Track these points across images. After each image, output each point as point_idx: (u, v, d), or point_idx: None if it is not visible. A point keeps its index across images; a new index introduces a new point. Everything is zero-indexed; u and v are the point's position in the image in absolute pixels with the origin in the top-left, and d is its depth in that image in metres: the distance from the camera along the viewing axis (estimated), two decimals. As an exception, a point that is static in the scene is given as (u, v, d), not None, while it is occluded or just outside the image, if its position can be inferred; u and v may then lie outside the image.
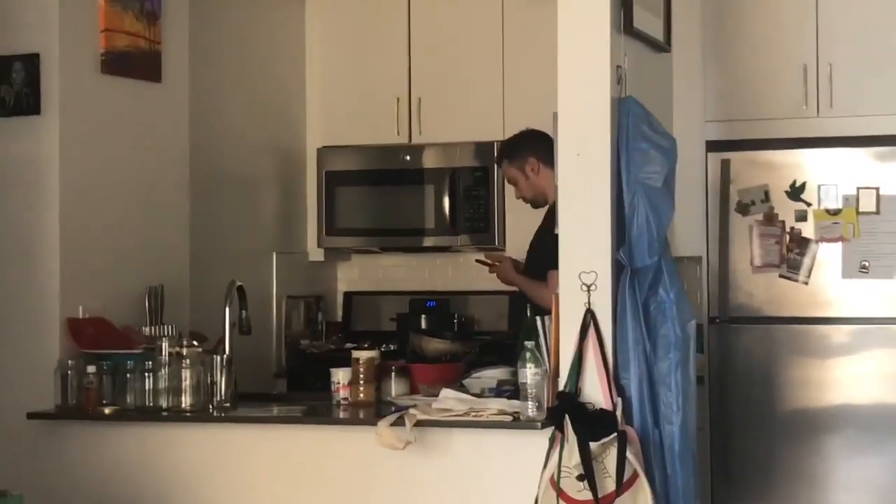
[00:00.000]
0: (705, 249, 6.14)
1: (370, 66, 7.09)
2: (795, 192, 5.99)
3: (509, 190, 6.17)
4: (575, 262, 4.68)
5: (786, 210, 6.01)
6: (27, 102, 5.37)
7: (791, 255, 6.00)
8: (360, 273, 7.44)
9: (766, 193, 6.03)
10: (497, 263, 5.74)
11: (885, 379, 5.90)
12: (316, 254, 7.21)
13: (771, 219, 6.02)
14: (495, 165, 6.26)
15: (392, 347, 6.35)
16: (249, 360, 6.41)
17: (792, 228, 6.00)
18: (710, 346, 6.12)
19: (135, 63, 5.71)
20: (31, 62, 5.36)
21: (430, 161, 6.92)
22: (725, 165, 6.08)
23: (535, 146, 5.63)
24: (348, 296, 7.35)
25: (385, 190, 6.98)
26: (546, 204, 5.64)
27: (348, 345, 6.56)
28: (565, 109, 4.74)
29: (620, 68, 4.79)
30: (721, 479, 6.05)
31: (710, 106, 6.17)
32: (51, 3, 5.36)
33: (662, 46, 5.31)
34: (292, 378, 6.66)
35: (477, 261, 5.88)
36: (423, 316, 6.89)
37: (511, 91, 6.79)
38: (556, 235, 4.77)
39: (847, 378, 5.96)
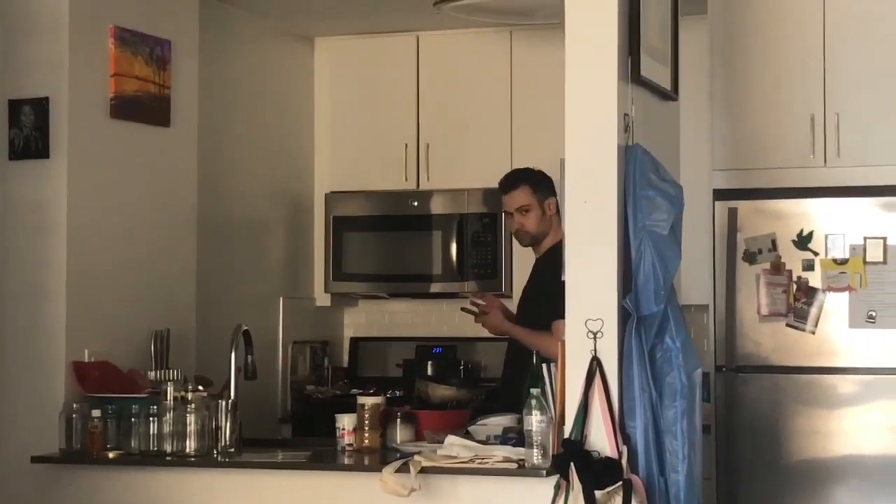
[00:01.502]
0: (712, 298, 6.09)
1: (378, 111, 7.14)
2: (803, 241, 5.97)
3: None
4: (581, 309, 4.67)
5: (793, 259, 5.97)
6: (36, 146, 5.40)
7: (798, 304, 5.97)
8: (366, 318, 7.46)
9: (774, 242, 6.01)
10: (485, 312, 5.65)
11: (892, 430, 5.85)
12: (323, 299, 7.23)
13: (778, 268, 5.99)
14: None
15: (398, 393, 6.36)
16: (255, 405, 6.41)
17: (799, 278, 5.97)
18: (716, 395, 6.08)
19: (144, 108, 5.75)
20: (41, 106, 5.39)
21: (437, 207, 6.95)
22: (733, 214, 6.06)
23: (556, 190, 5.64)
24: (355, 341, 7.37)
25: (392, 236, 7.01)
26: (536, 244, 5.70)
27: (354, 390, 6.54)
28: (573, 157, 4.74)
29: (628, 116, 4.80)
30: (730, 528, 6.02)
31: (717, 154, 6.15)
32: (61, 48, 5.41)
33: (670, 95, 5.31)
34: (297, 423, 6.67)
35: (463, 309, 5.77)
36: (430, 362, 6.92)
37: (519, 137, 6.84)
38: (562, 284, 4.77)
39: (854, 428, 5.91)
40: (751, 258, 6.04)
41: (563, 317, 4.71)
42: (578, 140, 4.74)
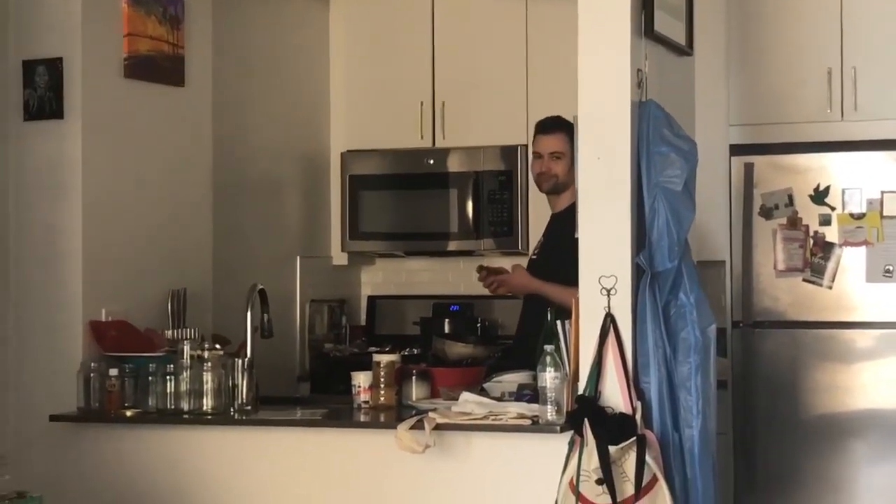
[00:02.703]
0: (729, 253, 6.13)
1: (394, 69, 7.12)
2: (819, 196, 5.99)
3: (534, 194, 6.19)
4: (595, 266, 4.69)
5: (809, 214, 6.00)
6: (50, 106, 5.39)
7: (815, 259, 5.99)
8: (383, 277, 7.46)
9: (790, 197, 6.02)
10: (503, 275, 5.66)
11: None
12: (340, 258, 7.24)
13: (795, 223, 6.01)
14: (519, 166, 6.19)
15: (415, 351, 6.38)
16: (273, 364, 6.44)
17: (816, 233, 5.99)
18: (733, 351, 6.11)
19: (158, 67, 5.74)
20: (55, 66, 5.39)
21: (454, 165, 6.94)
22: (749, 169, 6.08)
23: None
24: (372, 300, 7.37)
25: (409, 194, 7.01)
26: (556, 193, 5.70)
27: (371, 349, 6.59)
28: (586, 113, 4.75)
29: (641, 72, 4.80)
30: (744, 484, 6.04)
31: (733, 110, 6.17)
32: (74, 8, 5.39)
33: (684, 50, 5.31)
34: (316, 381, 6.69)
35: (481, 270, 5.76)
36: (447, 320, 6.89)
37: (535, 94, 6.81)
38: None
39: (872, 382, 5.95)
40: (767, 213, 6.06)
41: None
42: (591, 96, 4.74)
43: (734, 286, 6.12)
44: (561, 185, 5.68)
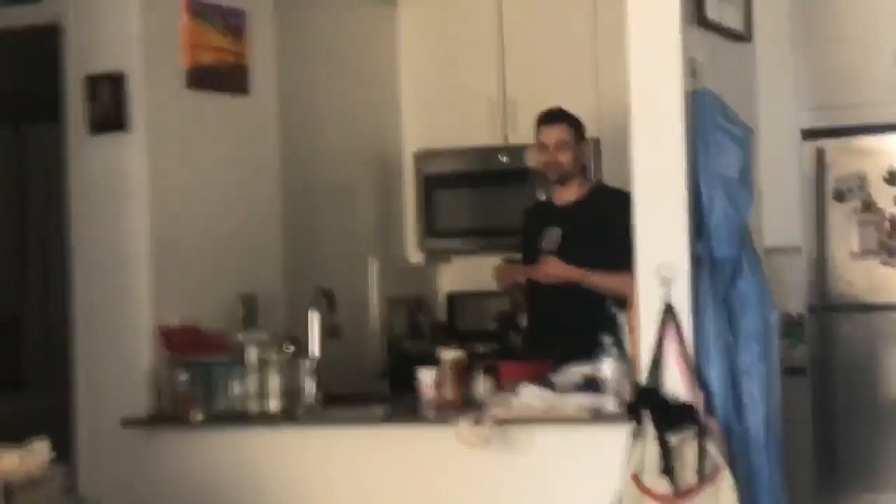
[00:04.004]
0: (802, 239, 6.07)
1: (463, 67, 7.15)
2: (893, 177, 5.92)
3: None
4: (652, 256, 4.68)
5: (884, 197, 5.94)
6: (114, 119, 5.44)
7: (891, 241, 5.93)
8: (461, 274, 7.45)
9: (863, 180, 5.97)
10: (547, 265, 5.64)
11: None
12: (416, 256, 7.27)
13: (869, 206, 5.96)
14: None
15: (495, 346, 6.40)
16: (352, 362, 6.54)
17: (892, 215, 5.93)
18: (810, 336, 6.06)
19: (221, 77, 5.80)
20: (117, 80, 5.44)
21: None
22: (821, 153, 6.03)
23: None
24: (451, 297, 7.39)
25: (483, 191, 7.02)
26: (562, 183, 5.73)
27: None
28: (638, 104, 4.75)
29: (694, 60, 4.80)
30: (825, 471, 5.99)
31: (801, 93, 6.11)
32: (134, 23, 5.45)
33: (742, 36, 5.30)
34: (395, 378, 6.68)
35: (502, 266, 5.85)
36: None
37: (605, 88, 6.77)
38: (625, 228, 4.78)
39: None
40: (840, 197, 6.02)
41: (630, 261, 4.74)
42: (643, 87, 4.75)
43: (809, 271, 6.07)
44: (567, 175, 5.71)
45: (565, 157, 5.69)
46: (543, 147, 5.73)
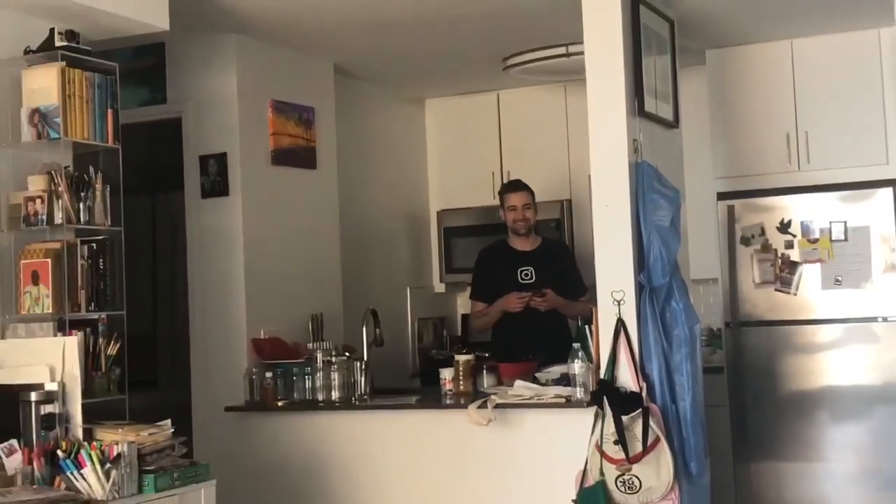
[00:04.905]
0: (720, 272, 6.01)
1: (472, 148, 7.11)
2: (784, 227, 5.86)
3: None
4: (608, 283, 4.66)
5: (777, 241, 5.86)
6: (219, 188, 5.48)
7: (783, 274, 5.85)
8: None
9: (762, 229, 5.90)
10: (542, 297, 5.55)
11: (858, 365, 5.74)
12: (439, 287, 7.20)
13: (766, 248, 5.88)
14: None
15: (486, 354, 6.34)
16: (393, 365, 6.51)
17: (783, 254, 5.86)
18: (726, 344, 6.00)
19: (296, 156, 5.81)
20: (221, 159, 5.48)
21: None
22: (731, 210, 5.98)
23: None
24: (465, 317, 7.26)
25: (487, 239, 6.88)
26: (528, 235, 5.68)
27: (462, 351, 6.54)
28: (596, 172, 4.75)
29: (636, 141, 4.77)
30: (739, 442, 5.90)
31: (716, 166, 6.07)
32: (233, 116, 5.50)
33: (671, 124, 5.26)
34: (425, 377, 6.62)
35: (527, 297, 5.62)
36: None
37: (573, 162, 6.73)
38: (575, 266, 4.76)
39: (829, 366, 5.79)
40: (746, 242, 5.96)
41: (585, 291, 4.71)
42: (600, 160, 4.74)
43: (724, 296, 5.99)
44: (531, 228, 5.68)
45: (530, 214, 5.67)
46: (512, 208, 5.67)
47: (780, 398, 5.87)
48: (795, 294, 5.84)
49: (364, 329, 5.37)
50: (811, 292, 5.81)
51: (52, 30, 4.24)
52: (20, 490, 3.65)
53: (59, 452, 3.74)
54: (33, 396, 3.86)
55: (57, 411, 3.89)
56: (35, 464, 3.74)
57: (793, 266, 5.85)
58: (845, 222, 5.77)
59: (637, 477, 4.42)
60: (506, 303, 5.66)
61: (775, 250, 5.87)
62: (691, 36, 5.67)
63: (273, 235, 5.63)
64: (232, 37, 5.46)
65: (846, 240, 5.75)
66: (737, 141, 6.09)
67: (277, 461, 5.17)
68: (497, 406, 4.69)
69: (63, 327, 4.13)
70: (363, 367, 5.19)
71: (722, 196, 6.03)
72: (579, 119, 6.61)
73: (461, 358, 5.12)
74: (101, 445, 3.75)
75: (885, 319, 5.69)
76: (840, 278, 5.75)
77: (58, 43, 4.22)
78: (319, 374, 5.14)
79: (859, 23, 5.75)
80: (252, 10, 5.10)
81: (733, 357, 5.97)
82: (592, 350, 4.74)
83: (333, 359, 5.17)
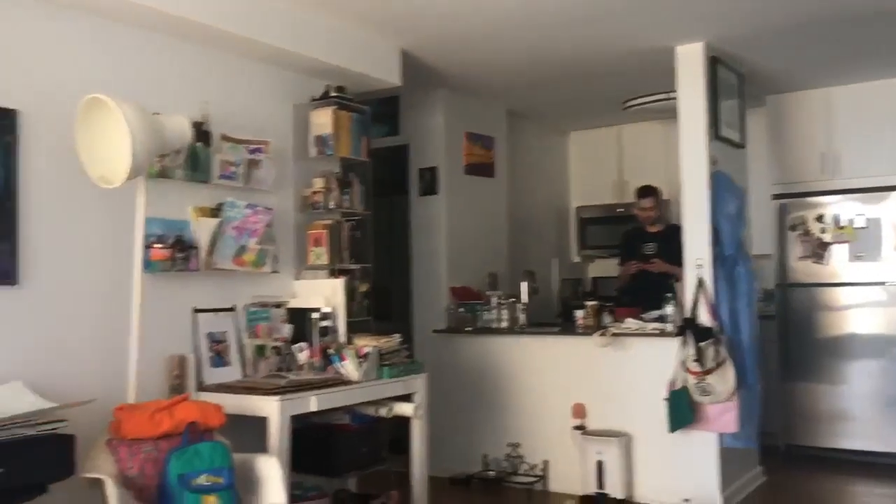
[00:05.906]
0: (773, 249, 5.89)
1: (601, 165, 6.97)
2: (820, 219, 5.71)
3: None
4: (693, 253, 4.66)
5: (815, 228, 5.70)
6: (431, 188, 5.55)
7: (818, 251, 5.70)
8: (599, 267, 7.21)
9: (804, 219, 5.75)
10: (653, 264, 5.47)
11: (875, 315, 5.53)
12: (576, 258, 7.13)
13: (807, 233, 5.73)
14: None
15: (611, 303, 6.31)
16: (545, 308, 6.46)
17: (818, 238, 5.70)
18: (776, 300, 5.86)
19: (480, 168, 5.84)
20: (434, 170, 5.54)
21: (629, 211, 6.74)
22: (783, 207, 5.84)
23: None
24: (595, 279, 7.23)
25: (609, 227, 6.83)
26: (654, 224, 5.50)
27: (589, 301, 6.49)
28: (686, 180, 4.73)
29: (714, 156, 4.76)
30: (785, 368, 5.78)
31: (771, 174, 5.93)
32: (440, 142, 5.55)
33: (739, 145, 5.20)
34: (564, 316, 6.52)
35: (637, 265, 5.54)
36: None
37: (671, 174, 6.37)
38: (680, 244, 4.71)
39: (853, 317, 5.60)
40: (792, 228, 5.80)
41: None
42: (689, 170, 4.72)
43: (777, 266, 5.87)
44: (654, 221, 5.53)
45: (654, 213, 5.56)
46: (641, 208, 5.62)
47: (815, 339, 5.72)
48: (827, 265, 5.68)
49: (524, 284, 5.35)
50: (839, 264, 5.64)
51: (327, 86, 4.39)
52: (307, 372, 3.85)
53: (330, 351, 3.89)
54: (315, 315, 3.96)
55: (330, 325, 3.99)
56: (315, 357, 3.90)
57: (825, 245, 5.69)
58: (864, 215, 5.58)
59: (710, 384, 4.44)
60: (626, 268, 5.67)
61: (813, 234, 5.72)
62: (756, 84, 5.57)
63: (465, 222, 5.69)
64: (441, 90, 5.50)
65: (866, 227, 5.56)
66: (787, 159, 5.94)
67: (464, 365, 5.24)
68: (613, 335, 4.74)
69: (333, 273, 4.24)
70: (523, 308, 5.25)
71: (776, 196, 5.89)
72: (674, 143, 6.59)
73: (589, 303, 5.15)
74: (357, 347, 3.89)
75: (893, 284, 5.49)
76: (861, 254, 5.57)
77: (331, 94, 4.36)
78: (494, 311, 5.22)
79: (877, 73, 5.54)
80: (454, 72, 5.15)
81: (782, 309, 5.83)
82: (681, 299, 4.74)
83: (503, 301, 5.25)
